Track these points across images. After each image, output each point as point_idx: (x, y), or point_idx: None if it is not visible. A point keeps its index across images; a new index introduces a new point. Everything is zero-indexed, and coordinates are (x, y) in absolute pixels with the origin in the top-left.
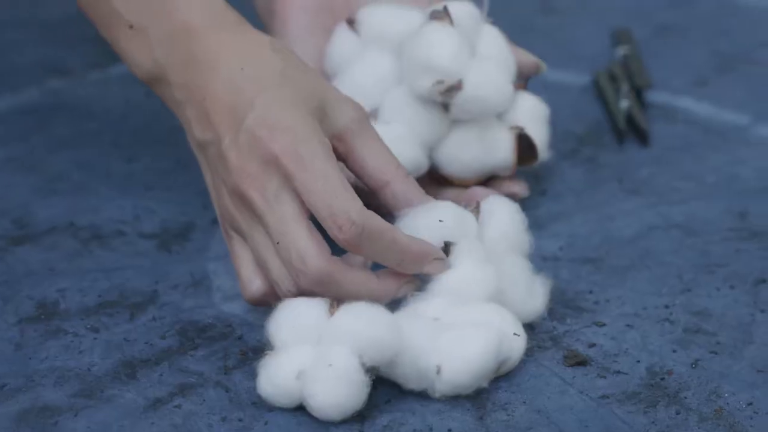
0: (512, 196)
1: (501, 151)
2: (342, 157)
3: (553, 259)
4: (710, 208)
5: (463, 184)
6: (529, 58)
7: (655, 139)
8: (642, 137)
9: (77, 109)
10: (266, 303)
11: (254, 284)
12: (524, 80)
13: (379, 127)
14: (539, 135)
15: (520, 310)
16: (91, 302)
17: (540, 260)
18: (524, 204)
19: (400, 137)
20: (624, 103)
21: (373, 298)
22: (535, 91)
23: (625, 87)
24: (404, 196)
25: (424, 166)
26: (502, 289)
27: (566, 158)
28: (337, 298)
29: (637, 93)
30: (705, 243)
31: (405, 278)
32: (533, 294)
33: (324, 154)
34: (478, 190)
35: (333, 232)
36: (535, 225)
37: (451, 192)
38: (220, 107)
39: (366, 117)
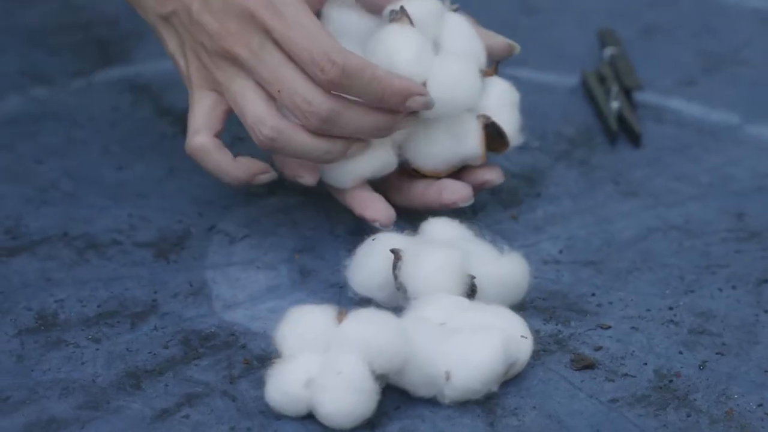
0: (486, 184)
1: (469, 141)
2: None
3: (554, 262)
4: (707, 209)
5: (434, 175)
6: (498, 41)
7: (646, 140)
8: (634, 138)
9: (63, 117)
10: (207, 155)
11: (203, 135)
12: (494, 64)
13: None
14: (510, 121)
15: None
16: (91, 312)
17: (541, 263)
18: (520, 207)
19: None
20: (615, 104)
21: (378, 129)
22: (523, 93)
23: (615, 88)
24: None
25: (393, 164)
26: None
27: (559, 160)
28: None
29: (627, 94)
30: (705, 244)
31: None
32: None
33: (297, 2)
34: (449, 182)
35: (316, 76)
36: (533, 228)
37: (422, 183)
38: None
39: None
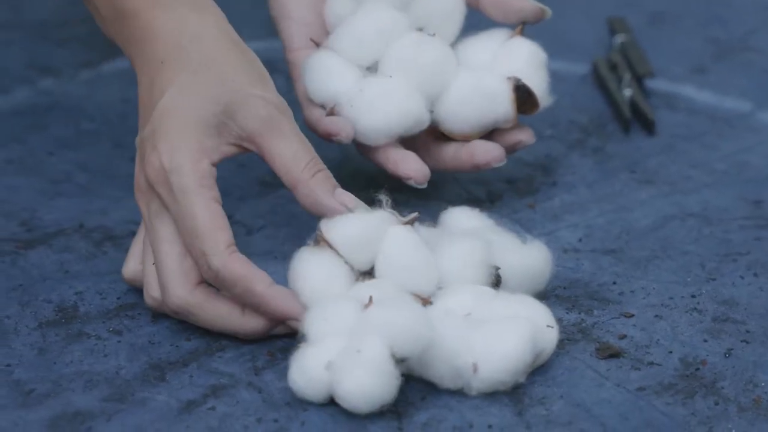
0: (518, 145)
1: (500, 103)
2: (259, 155)
3: (574, 251)
4: (724, 197)
5: (464, 139)
6: (530, 4)
7: (659, 128)
8: (648, 126)
9: (73, 109)
10: (136, 284)
11: (129, 267)
12: (521, 25)
13: (380, 80)
14: (538, 82)
15: None
16: (111, 305)
17: (560, 252)
18: (536, 195)
19: (402, 90)
20: (627, 92)
21: (237, 333)
22: None
23: (627, 75)
24: (309, 200)
25: (425, 120)
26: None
27: (573, 148)
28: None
29: (638, 81)
30: (723, 232)
31: (278, 320)
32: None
33: (194, 186)
34: (480, 143)
35: (198, 269)
36: (551, 216)
37: (453, 146)
38: (141, 97)
39: (278, 113)
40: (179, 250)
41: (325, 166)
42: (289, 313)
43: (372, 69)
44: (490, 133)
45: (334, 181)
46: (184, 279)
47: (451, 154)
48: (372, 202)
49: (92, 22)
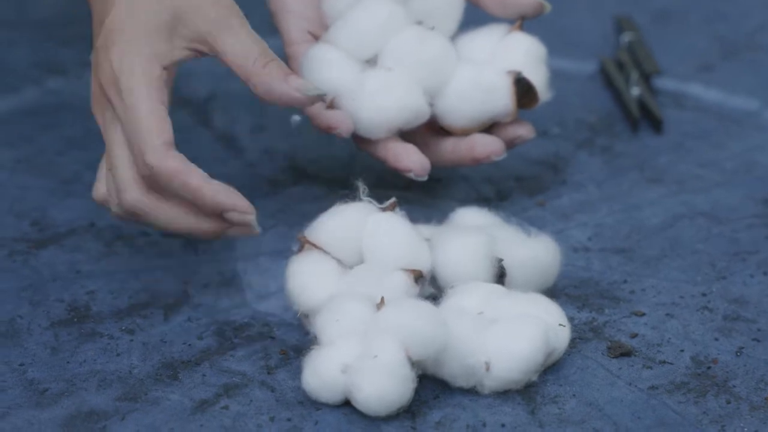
0: (517, 140)
1: (500, 97)
2: (212, 56)
3: (584, 250)
4: (733, 196)
5: (464, 133)
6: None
7: (667, 126)
8: (656, 124)
9: (80, 109)
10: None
11: (98, 188)
12: (520, 20)
13: (380, 73)
14: (537, 76)
15: None
16: (123, 304)
17: (570, 250)
18: (546, 194)
19: (402, 83)
20: (635, 91)
21: (192, 235)
22: None
23: (634, 74)
24: (263, 89)
25: (425, 113)
26: None
27: (582, 147)
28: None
29: (646, 80)
30: (732, 231)
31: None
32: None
33: (140, 86)
34: (480, 137)
35: (137, 167)
36: (561, 215)
37: (452, 140)
38: (95, 13)
39: (228, 12)
40: (128, 150)
41: (277, 57)
42: (229, 205)
43: (371, 62)
44: (489, 128)
45: (286, 68)
46: (137, 182)
47: (451, 148)
48: (379, 199)
49: None
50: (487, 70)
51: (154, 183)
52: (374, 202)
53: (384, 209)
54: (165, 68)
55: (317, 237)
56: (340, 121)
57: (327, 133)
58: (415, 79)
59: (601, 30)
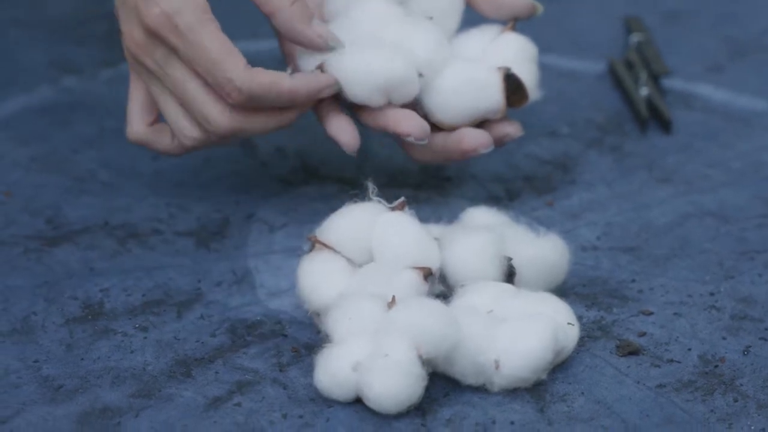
0: (506, 138)
1: (490, 93)
2: None
3: (592, 249)
4: (740, 195)
5: (454, 129)
6: (522, 0)
7: (676, 127)
8: (665, 125)
9: (95, 107)
10: (146, 144)
11: (132, 130)
12: (512, 21)
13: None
14: (528, 75)
15: None
16: (137, 301)
17: (579, 250)
18: (555, 194)
19: (391, 51)
20: (644, 91)
21: (284, 126)
22: (550, 80)
23: (643, 74)
24: (286, 26)
25: (414, 84)
26: None
27: (591, 147)
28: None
29: (655, 80)
30: (740, 230)
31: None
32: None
33: (199, 21)
34: (468, 130)
35: (225, 99)
36: (570, 214)
37: (441, 135)
38: None
39: None
40: (201, 83)
41: None
42: (320, 84)
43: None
44: (479, 125)
45: (311, 11)
46: (224, 108)
47: (441, 142)
48: (390, 199)
49: (111, 20)
50: (478, 67)
51: (246, 102)
52: (384, 202)
53: (393, 209)
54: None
55: (327, 237)
56: (344, 136)
57: (318, 98)
58: (406, 55)
59: (610, 30)
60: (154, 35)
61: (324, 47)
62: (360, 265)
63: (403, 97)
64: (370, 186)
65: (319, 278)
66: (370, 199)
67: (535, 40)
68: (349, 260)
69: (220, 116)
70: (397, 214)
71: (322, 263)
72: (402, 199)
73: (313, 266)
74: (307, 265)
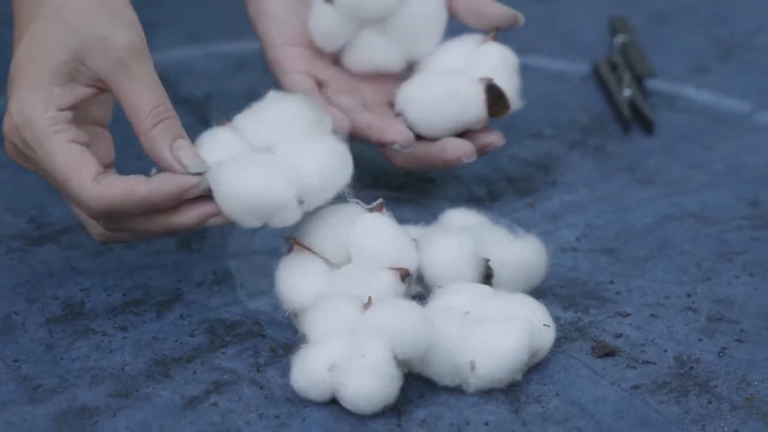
0: (488, 147)
1: (472, 104)
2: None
3: (572, 250)
4: (722, 197)
5: (436, 139)
6: (503, 10)
7: (659, 128)
8: (647, 126)
9: None
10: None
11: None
12: (494, 31)
13: (255, 154)
14: (509, 85)
15: None
16: (117, 301)
17: (559, 251)
18: (537, 195)
19: (272, 169)
20: (627, 92)
21: (175, 233)
22: (536, 81)
23: (627, 76)
24: (148, 151)
25: (294, 213)
26: None
27: (573, 148)
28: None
29: (638, 81)
30: (720, 231)
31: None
32: None
33: (46, 135)
34: (450, 140)
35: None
36: (550, 216)
37: (423, 144)
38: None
39: (128, 56)
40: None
41: (170, 114)
42: (182, 191)
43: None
44: (461, 134)
45: (176, 131)
46: (93, 223)
47: (423, 151)
48: (374, 199)
49: None
50: (460, 78)
51: (102, 216)
52: (361, 204)
53: (371, 210)
54: (63, 110)
55: (306, 238)
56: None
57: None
58: (295, 169)
59: (596, 31)
60: (12, 143)
61: (183, 173)
62: (338, 266)
63: (281, 222)
64: (347, 189)
65: (298, 279)
66: (347, 201)
67: (521, 41)
68: (327, 261)
69: (92, 228)
70: (375, 215)
71: (300, 265)
72: (380, 200)
73: (292, 267)
74: (286, 266)
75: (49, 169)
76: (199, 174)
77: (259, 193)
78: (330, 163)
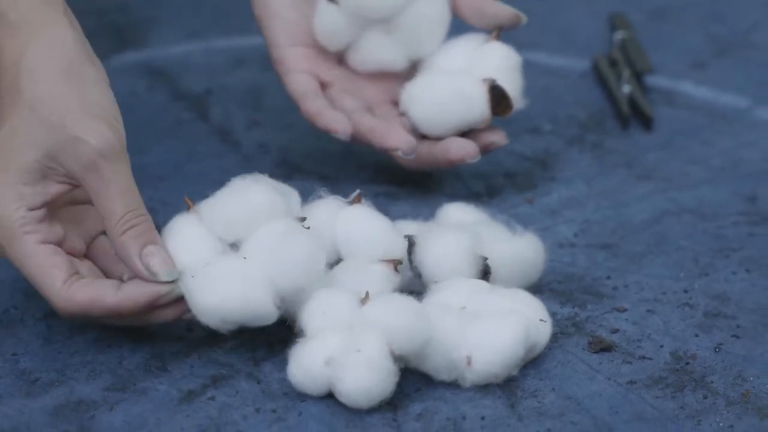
0: (491, 146)
1: (475, 104)
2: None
3: (569, 246)
4: (719, 192)
5: (440, 139)
6: (506, 10)
7: (657, 124)
8: (646, 122)
9: None
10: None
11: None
12: (497, 30)
13: (230, 261)
14: (512, 84)
15: None
16: None
17: (556, 246)
18: (535, 191)
19: (249, 277)
20: (626, 88)
21: (153, 324)
22: (535, 77)
23: (626, 72)
24: (119, 255)
25: (272, 314)
26: None
27: (572, 144)
28: None
29: (637, 77)
30: (718, 227)
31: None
32: None
33: (16, 238)
34: (454, 140)
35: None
36: (549, 211)
37: (427, 143)
38: None
39: (100, 158)
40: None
41: (142, 219)
42: (151, 300)
43: (235, 246)
44: (464, 134)
45: (147, 237)
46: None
47: (426, 151)
48: (372, 196)
49: (97, 15)
50: (463, 78)
51: (71, 318)
52: (340, 198)
53: (351, 202)
54: (34, 209)
55: (205, 207)
56: (338, 125)
57: (327, 134)
58: (269, 276)
59: (595, 27)
60: None
61: (153, 281)
62: (230, 244)
63: (259, 325)
64: (321, 190)
65: (179, 241)
66: (321, 197)
67: (521, 37)
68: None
69: (61, 311)
70: (355, 207)
71: (186, 228)
72: (357, 191)
73: (178, 228)
74: (173, 225)
75: (21, 269)
76: (170, 282)
77: (237, 307)
78: (303, 263)
